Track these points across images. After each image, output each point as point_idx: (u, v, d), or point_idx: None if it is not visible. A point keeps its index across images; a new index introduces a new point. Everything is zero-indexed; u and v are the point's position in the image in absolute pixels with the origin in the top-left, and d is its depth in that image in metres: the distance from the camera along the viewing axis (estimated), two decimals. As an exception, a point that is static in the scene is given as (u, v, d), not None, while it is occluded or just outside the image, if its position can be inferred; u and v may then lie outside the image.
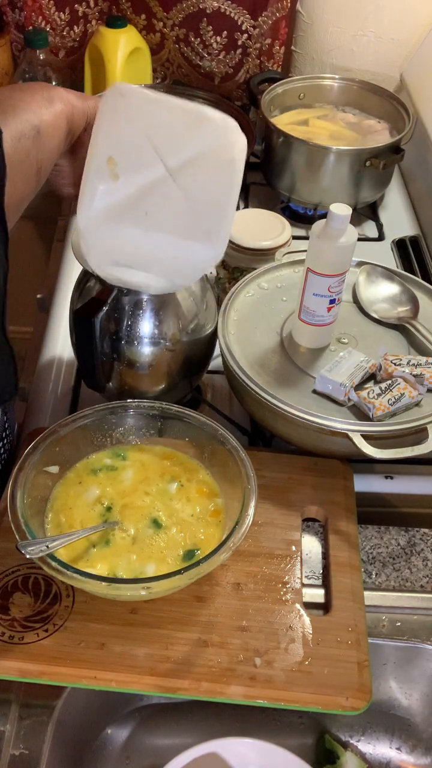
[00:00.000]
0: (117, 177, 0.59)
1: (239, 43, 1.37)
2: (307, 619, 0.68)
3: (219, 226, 0.62)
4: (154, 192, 0.60)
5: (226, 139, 0.60)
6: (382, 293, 0.92)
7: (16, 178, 0.57)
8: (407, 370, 0.80)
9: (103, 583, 0.63)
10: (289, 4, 1.33)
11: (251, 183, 1.33)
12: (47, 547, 0.63)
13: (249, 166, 1.25)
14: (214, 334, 0.86)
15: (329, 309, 0.82)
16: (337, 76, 1.31)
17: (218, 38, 1.36)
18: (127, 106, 0.60)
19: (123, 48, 1.30)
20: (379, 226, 1.27)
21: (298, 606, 0.69)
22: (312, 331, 0.85)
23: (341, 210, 0.76)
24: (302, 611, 0.69)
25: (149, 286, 0.72)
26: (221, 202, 0.62)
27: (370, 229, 1.27)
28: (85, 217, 0.63)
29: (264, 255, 0.99)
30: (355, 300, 0.93)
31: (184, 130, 0.59)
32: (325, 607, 0.71)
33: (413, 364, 0.81)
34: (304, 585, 0.72)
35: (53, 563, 0.63)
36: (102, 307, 0.76)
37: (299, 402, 0.78)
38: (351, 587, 0.71)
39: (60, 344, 1.04)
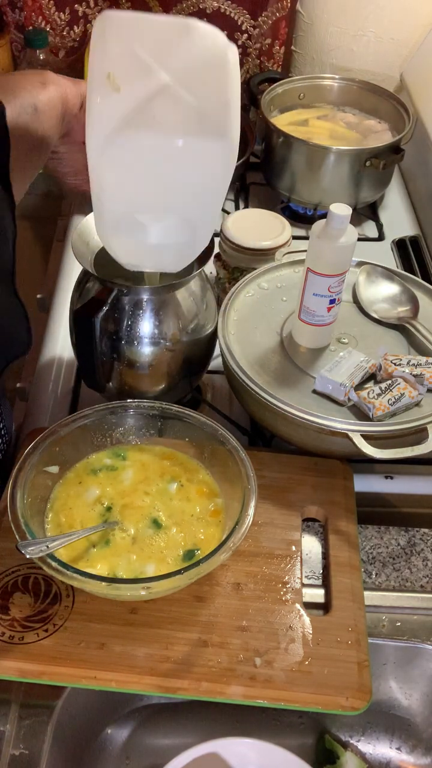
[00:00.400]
0: (119, 89, 0.59)
1: (239, 43, 1.37)
2: (307, 619, 0.68)
3: (226, 116, 0.61)
4: (159, 97, 0.60)
5: (216, 43, 0.61)
6: (382, 293, 0.92)
7: (18, 151, 0.61)
8: (407, 370, 0.80)
9: (103, 583, 0.63)
10: (289, 4, 1.33)
11: (251, 183, 1.33)
12: (47, 547, 0.63)
13: (249, 166, 1.27)
14: (214, 334, 0.86)
15: (329, 309, 0.83)
16: (337, 76, 1.31)
17: (218, 38, 1.36)
18: (116, 27, 0.62)
19: (123, 48, 1.30)
20: (379, 226, 1.27)
21: (298, 606, 0.69)
22: (312, 331, 0.85)
23: (341, 210, 0.76)
24: (302, 611, 0.69)
25: (172, 240, 0.69)
26: (224, 97, 0.62)
27: (370, 229, 1.27)
28: (95, 141, 0.61)
29: (264, 255, 0.99)
30: (355, 300, 0.93)
31: (174, 41, 0.60)
32: (325, 607, 0.71)
33: (413, 364, 0.81)
34: (304, 585, 0.72)
35: (53, 563, 0.63)
36: (102, 307, 0.76)
37: (299, 402, 0.78)
38: (351, 587, 0.71)
39: (60, 344, 1.04)
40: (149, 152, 0.61)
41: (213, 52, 0.61)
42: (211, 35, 0.61)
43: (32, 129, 0.66)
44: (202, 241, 0.72)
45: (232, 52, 0.62)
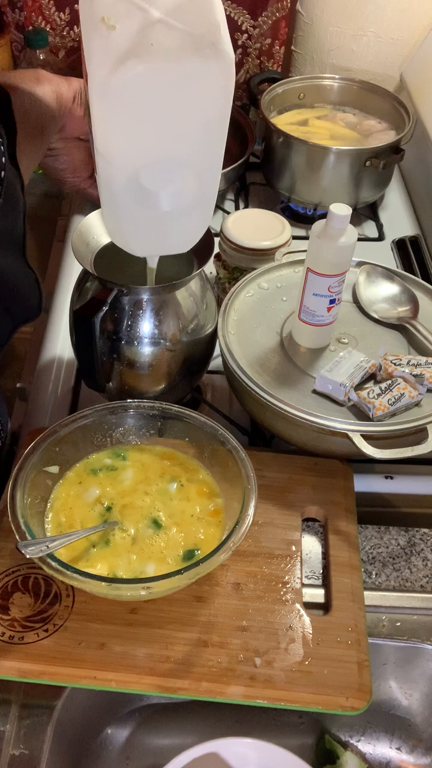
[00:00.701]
0: (114, 27, 0.62)
1: (239, 43, 1.37)
2: (307, 619, 0.68)
3: (219, 36, 0.63)
4: (153, 29, 0.63)
5: None
6: (382, 293, 0.92)
7: (21, 135, 0.65)
8: (407, 370, 0.80)
9: (103, 583, 0.63)
10: (289, 4, 1.34)
11: (251, 183, 1.33)
12: (47, 547, 0.63)
13: (249, 166, 1.27)
14: (214, 334, 0.86)
15: (329, 309, 0.83)
16: (337, 76, 1.31)
17: (218, 38, 1.36)
18: None
19: (123, 48, 1.30)
20: (379, 226, 1.27)
21: (298, 606, 0.69)
22: (312, 331, 0.85)
23: (341, 210, 0.76)
24: (302, 611, 0.69)
25: (180, 201, 0.69)
26: (213, 20, 0.64)
27: (370, 229, 1.27)
28: (98, 82, 0.63)
29: (264, 255, 0.99)
30: (355, 300, 0.93)
31: None
32: (325, 607, 0.71)
33: (413, 364, 0.81)
34: (304, 585, 0.72)
35: (53, 563, 0.63)
36: (102, 307, 0.76)
37: (299, 402, 0.78)
38: (351, 587, 0.71)
39: (60, 344, 1.04)
40: (150, 82, 0.62)
41: None
42: None
43: (32, 116, 0.70)
44: (207, 205, 0.72)
45: None
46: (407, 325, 0.88)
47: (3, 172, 0.59)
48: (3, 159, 0.59)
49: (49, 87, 0.72)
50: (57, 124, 0.73)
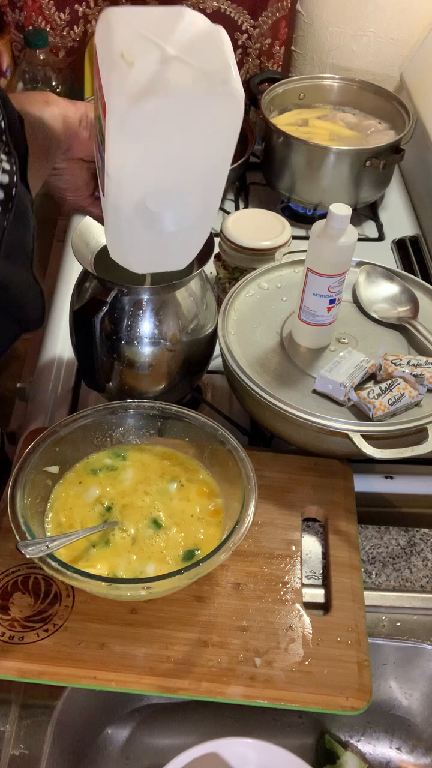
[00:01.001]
0: (133, 63, 0.66)
1: (239, 43, 1.37)
2: (307, 619, 0.68)
3: (230, 73, 0.67)
4: (169, 66, 0.66)
5: (207, 23, 0.68)
6: (382, 293, 0.92)
7: (29, 155, 0.68)
8: (407, 370, 0.80)
9: (103, 583, 0.63)
10: (289, 4, 1.33)
11: (251, 183, 1.33)
12: (47, 547, 0.63)
13: (249, 166, 1.27)
14: (214, 334, 0.86)
15: (329, 309, 0.83)
16: (337, 76, 1.31)
17: (218, 38, 1.36)
18: (120, 17, 0.69)
19: (123, 48, 1.30)
20: (379, 226, 1.27)
21: (298, 606, 0.69)
22: (312, 331, 0.85)
23: (341, 210, 0.76)
24: (302, 611, 0.69)
25: (184, 222, 0.72)
26: (225, 59, 0.67)
27: (370, 229, 1.27)
28: (116, 114, 0.66)
29: (264, 255, 0.99)
30: (355, 300, 0.93)
31: (172, 24, 0.68)
32: (325, 607, 0.71)
33: (413, 364, 0.81)
34: (304, 585, 0.72)
35: (53, 563, 0.63)
36: (102, 307, 0.76)
37: (299, 402, 0.78)
38: (351, 587, 0.71)
39: (60, 344, 1.04)
40: (166, 115, 0.65)
41: (206, 29, 0.68)
42: (201, 18, 0.68)
43: (40, 138, 0.73)
44: (207, 224, 0.74)
45: (222, 30, 0.68)
46: (407, 325, 0.88)
47: (15, 189, 0.62)
48: (15, 177, 0.62)
49: (57, 110, 0.76)
50: (63, 146, 0.76)
